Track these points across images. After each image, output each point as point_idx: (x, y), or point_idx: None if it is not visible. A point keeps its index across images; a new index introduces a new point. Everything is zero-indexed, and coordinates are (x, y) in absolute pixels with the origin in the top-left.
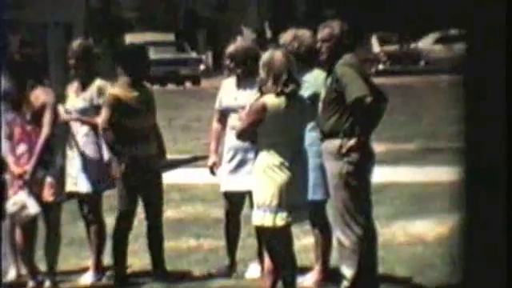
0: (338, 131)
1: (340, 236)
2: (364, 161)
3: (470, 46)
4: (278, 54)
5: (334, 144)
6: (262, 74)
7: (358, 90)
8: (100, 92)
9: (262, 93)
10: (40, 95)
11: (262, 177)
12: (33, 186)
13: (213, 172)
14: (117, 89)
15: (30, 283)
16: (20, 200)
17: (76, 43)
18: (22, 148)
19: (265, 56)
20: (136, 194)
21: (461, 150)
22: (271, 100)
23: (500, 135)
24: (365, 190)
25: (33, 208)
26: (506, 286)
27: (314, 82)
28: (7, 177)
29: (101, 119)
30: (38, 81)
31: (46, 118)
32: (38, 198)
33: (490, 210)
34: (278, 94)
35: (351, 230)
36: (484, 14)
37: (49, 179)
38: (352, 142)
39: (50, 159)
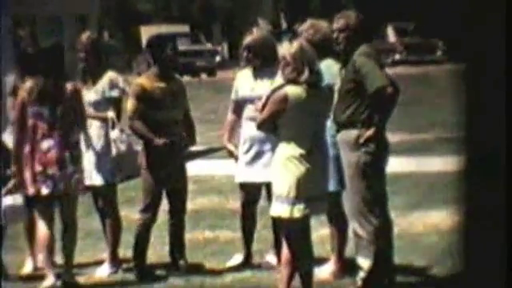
0: (356, 121)
1: (356, 227)
2: (380, 151)
3: (472, 38)
4: (306, 45)
5: (351, 134)
6: (296, 64)
7: (379, 80)
8: (112, 84)
9: (289, 83)
10: (73, 89)
11: (281, 168)
12: (61, 181)
13: (235, 158)
14: (143, 78)
15: (49, 275)
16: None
17: (84, 36)
18: (47, 143)
19: (294, 46)
20: (160, 185)
21: (464, 140)
22: (293, 90)
23: (501, 126)
24: (380, 180)
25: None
26: (506, 276)
27: (326, 72)
28: (27, 173)
29: (128, 110)
30: (66, 74)
31: (81, 111)
32: (65, 192)
33: (492, 199)
34: (308, 84)
35: (367, 221)
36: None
37: (77, 175)
38: (370, 131)
39: (78, 154)
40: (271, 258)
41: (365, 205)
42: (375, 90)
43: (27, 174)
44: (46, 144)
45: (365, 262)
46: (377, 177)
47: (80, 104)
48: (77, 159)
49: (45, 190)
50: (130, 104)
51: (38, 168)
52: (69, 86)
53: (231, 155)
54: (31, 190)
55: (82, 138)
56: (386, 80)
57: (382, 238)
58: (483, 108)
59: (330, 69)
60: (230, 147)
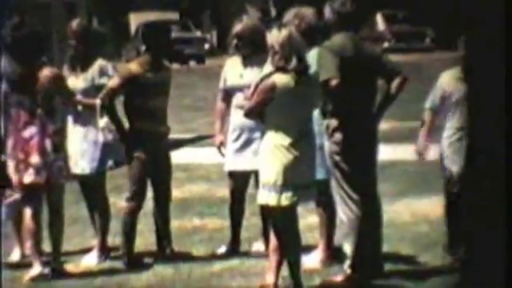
0: (326, 111)
1: (339, 213)
2: (351, 140)
3: (471, 28)
4: (295, 33)
5: (324, 124)
6: (284, 52)
7: (325, 72)
8: (102, 72)
9: (277, 71)
10: (50, 75)
11: (269, 156)
12: (44, 169)
13: (221, 152)
14: (134, 64)
15: (36, 264)
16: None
17: (74, 23)
18: (30, 131)
19: (282, 34)
20: (146, 173)
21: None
22: (281, 78)
23: (500, 115)
24: (358, 168)
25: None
26: (505, 263)
27: (312, 61)
28: (10, 163)
29: (108, 86)
30: (44, 61)
31: (67, 95)
32: (47, 180)
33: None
34: (296, 73)
35: (348, 208)
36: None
37: (59, 162)
38: (334, 122)
39: (60, 142)
40: (259, 246)
41: (343, 192)
42: (321, 82)
43: (10, 164)
44: (27, 132)
45: (348, 249)
46: (351, 166)
47: (62, 89)
48: (59, 147)
49: (27, 179)
50: (113, 82)
51: (21, 156)
52: (47, 72)
53: (219, 148)
54: (14, 179)
55: (68, 124)
56: (333, 72)
57: (369, 225)
58: (483, 104)
59: (315, 58)
60: (220, 138)
